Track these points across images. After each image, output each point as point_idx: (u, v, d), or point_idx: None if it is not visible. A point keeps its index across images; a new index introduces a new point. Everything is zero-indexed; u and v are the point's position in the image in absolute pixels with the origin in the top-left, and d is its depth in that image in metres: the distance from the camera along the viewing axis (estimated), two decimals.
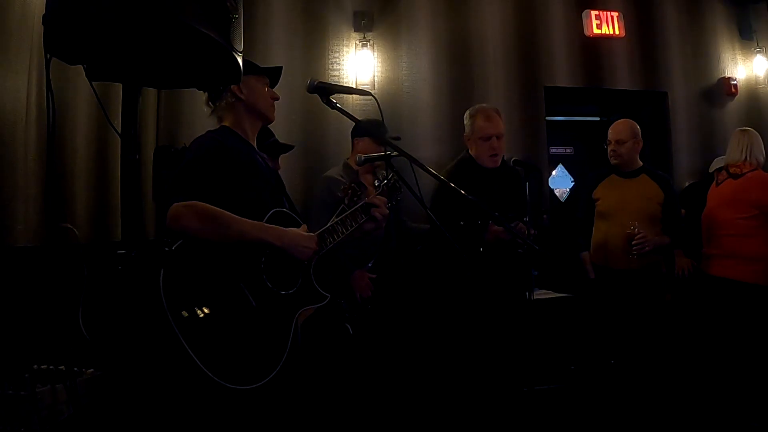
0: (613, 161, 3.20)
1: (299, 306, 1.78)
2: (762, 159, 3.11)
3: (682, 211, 3.34)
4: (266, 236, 1.67)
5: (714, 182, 3.27)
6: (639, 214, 3.02)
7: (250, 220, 1.67)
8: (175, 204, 1.60)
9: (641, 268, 3.05)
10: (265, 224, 1.70)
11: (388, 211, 1.99)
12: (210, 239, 1.60)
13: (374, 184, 2.15)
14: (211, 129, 1.89)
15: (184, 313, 1.49)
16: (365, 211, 1.98)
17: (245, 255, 1.68)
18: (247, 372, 1.55)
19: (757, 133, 3.19)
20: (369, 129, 2.84)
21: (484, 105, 3.04)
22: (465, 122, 2.95)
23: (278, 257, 1.72)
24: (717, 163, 3.79)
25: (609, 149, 3.20)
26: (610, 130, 3.22)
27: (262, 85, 1.96)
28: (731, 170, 3.13)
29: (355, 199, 1.99)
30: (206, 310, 1.54)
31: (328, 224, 1.93)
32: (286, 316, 1.73)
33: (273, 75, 2.04)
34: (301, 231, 1.78)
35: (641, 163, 3.24)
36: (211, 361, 1.48)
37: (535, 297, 3.04)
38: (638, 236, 2.94)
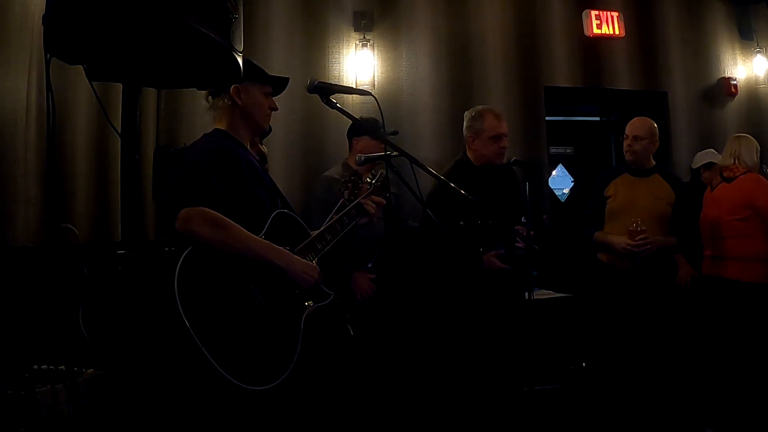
0: (627, 157, 3.19)
1: (306, 305, 1.80)
2: (752, 161, 3.12)
3: None
4: (271, 256, 1.68)
5: (709, 187, 3.29)
6: (648, 214, 3.02)
7: (257, 237, 1.68)
8: (186, 209, 1.59)
9: (646, 269, 3.03)
10: (272, 245, 1.71)
11: (374, 209, 2.04)
12: (216, 247, 1.60)
13: (367, 181, 2.19)
14: (207, 132, 1.89)
15: (198, 315, 1.49)
16: (357, 210, 2.03)
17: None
18: (262, 372, 1.56)
19: (751, 138, 3.19)
20: (366, 127, 2.85)
21: (486, 106, 3.04)
22: (467, 123, 2.93)
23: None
24: (699, 158, 3.83)
25: (625, 144, 3.19)
26: (629, 125, 3.20)
27: (262, 94, 1.94)
28: (725, 174, 3.16)
29: (356, 191, 2.01)
30: (219, 312, 1.55)
31: (325, 224, 1.95)
32: (295, 316, 1.75)
33: (277, 84, 2.02)
34: (305, 261, 1.79)
35: (654, 163, 3.23)
36: (226, 362, 1.48)
37: (535, 297, 3.05)
38: (639, 236, 2.94)
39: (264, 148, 2.69)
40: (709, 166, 3.74)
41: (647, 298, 3.07)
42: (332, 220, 1.99)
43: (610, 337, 3.14)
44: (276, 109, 2.00)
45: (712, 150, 3.85)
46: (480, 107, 2.97)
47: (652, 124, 3.19)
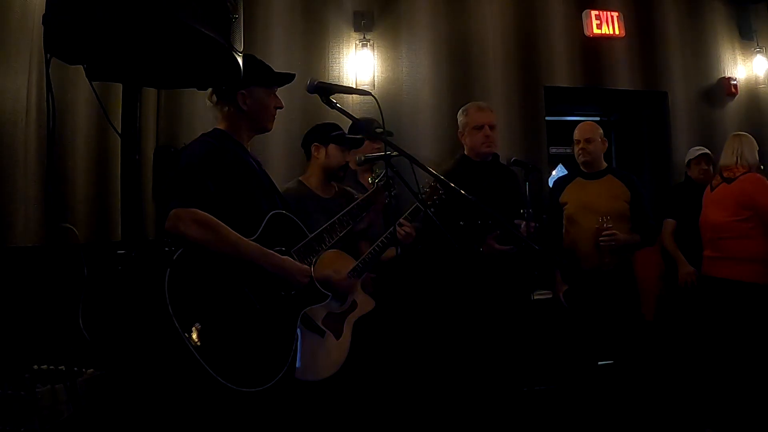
0: (581, 159, 3.21)
1: (302, 306, 1.79)
2: (753, 160, 3.12)
3: None
4: (260, 260, 1.67)
5: (708, 186, 3.28)
6: (607, 214, 3.00)
7: (248, 240, 1.66)
8: (175, 209, 1.58)
9: (612, 268, 3.00)
10: (263, 248, 1.69)
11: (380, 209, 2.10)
12: (206, 248, 1.59)
13: (368, 181, 2.20)
14: (205, 132, 1.87)
15: (190, 317, 1.48)
16: (361, 210, 2.03)
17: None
18: (254, 374, 1.55)
19: (751, 137, 3.20)
20: (359, 127, 2.85)
21: (473, 102, 3.09)
22: (459, 120, 3.01)
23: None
24: (689, 155, 3.79)
25: (578, 148, 3.21)
26: (577, 131, 3.25)
27: (268, 96, 1.92)
28: (725, 174, 3.15)
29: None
30: (211, 314, 1.54)
31: (326, 224, 1.95)
32: (290, 318, 1.74)
33: (282, 81, 2.00)
34: (297, 263, 1.78)
35: (606, 164, 3.25)
36: (217, 364, 1.47)
37: (535, 297, 3.04)
38: (606, 231, 2.93)
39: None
40: (699, 160, 3.68)
41: (619, 296, 3.03)
42: (332, 221, 1.99)
43: (588, 337, 3.10)
44: (281, 107, 1.97)
45: (699, 147, 3.81)
46: (467, 104, 3.03)
47: (598, 126, 3.25)
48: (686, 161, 3.81)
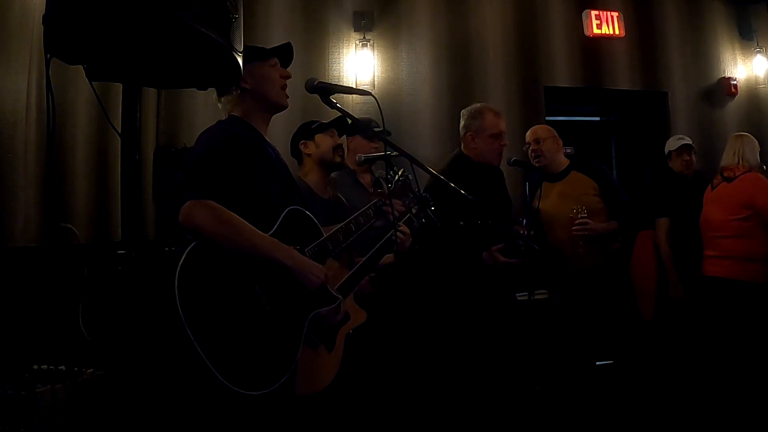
0: (537, 163, 3.11)
1: (311, 308, 1.74)
2: (755, 160, 3.11)
3: None
4: (278, 255, 1.60)
5: (709, 185, 3.29)
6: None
7: (263, 234, 1.60)
8: (190, 201, 1.51)
9: (599, 265, 2.95)
10: (279, 242, 1.63)
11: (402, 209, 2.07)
12: (220, 244, 1.53)
13: (386, 179, 2.16)
14: (221, 120, 1.81)
15: (198, 314, 1.44)
16: (377, 212, 2.01)
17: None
18: (260, 376, 1.52)
19: (752, 137, 3.18)
20: (358, 127, 2.83)
21: (484, 104, 3.02)
22: (465, 122, 2.89)
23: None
24: (671, 143, 3.69)
25: (529, 152, 3.13)
26: (527, 134, 3.19)
27: (269, 69, 1.84)
28: (725, 174, 3.15)
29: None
30: (219, 311, 1.49)
31: (341, 224, 1.92)
32: (298, 319, 1.69)
33: (281, 55, 1.92)
34: (312, 261, 1.72)
35: (568, 161, 3.15)
36: (223, 365, 1.44)
37: (534, 297, 3.04)
38: (578, 220, 2.85)
39: None
40: (681, 151, 3.60)
41: (610, 293, 2.98)
42: (347, 220, 1.96)
43: (582, 337, 3.07)
44: (289, 76, 1.89)
45: (680, 136, 3.73)
46: (478, 105, 2.94)
47: (550, 128, 3.18)
48: (666, 152, 3.68)
